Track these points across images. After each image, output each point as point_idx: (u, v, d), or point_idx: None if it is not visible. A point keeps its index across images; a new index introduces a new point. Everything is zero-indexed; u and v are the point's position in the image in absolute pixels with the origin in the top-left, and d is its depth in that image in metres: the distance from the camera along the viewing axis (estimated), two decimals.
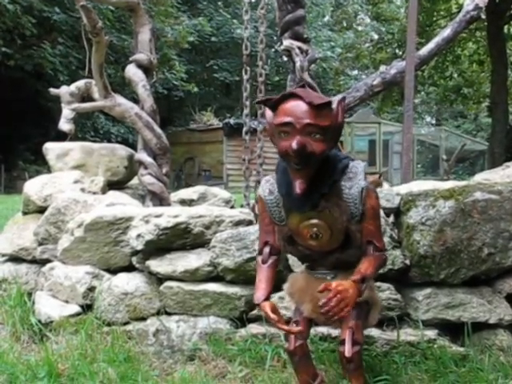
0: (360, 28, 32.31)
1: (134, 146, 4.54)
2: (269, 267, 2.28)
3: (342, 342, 2.12)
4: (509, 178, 3.18)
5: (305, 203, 2.07)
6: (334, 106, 2.01)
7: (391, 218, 2.95)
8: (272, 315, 2.13)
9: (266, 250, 2.29)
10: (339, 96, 2.16)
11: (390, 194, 2.96)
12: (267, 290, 2.24)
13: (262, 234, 2.32)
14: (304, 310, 2.25)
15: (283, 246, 2.27)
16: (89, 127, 21.83)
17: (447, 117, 35.76)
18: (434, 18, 20.47)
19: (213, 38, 25.96)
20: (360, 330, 2.16)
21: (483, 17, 4.83)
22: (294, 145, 1.91)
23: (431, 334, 2.72)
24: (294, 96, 1.98)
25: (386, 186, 9.52)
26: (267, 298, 2.21)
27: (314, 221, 2.10)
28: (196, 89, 23.79)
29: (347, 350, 2.08)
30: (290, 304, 2.38)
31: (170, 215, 3.09)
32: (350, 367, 2.13)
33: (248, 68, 3.92)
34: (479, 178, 3.40)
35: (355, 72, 32.73)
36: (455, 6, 19.83)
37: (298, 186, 1.99)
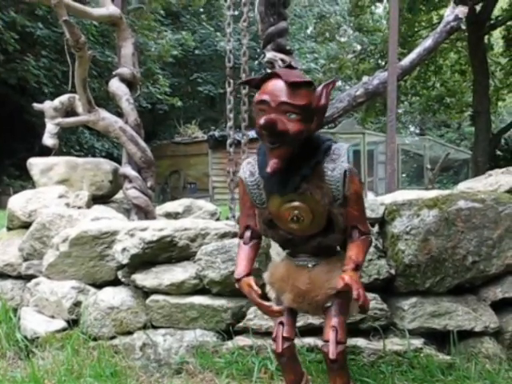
0: (343, 39, 32.49)
1: (118, 160, 4.53)
2: (250, 247, 2.27)
3: (326, 341, 2.10)
4: (491, 186, 3.20)
5: (286, 185, 2.05)
6: (320, 88, 2.01)
7: (376, 228, 2.96)
8: (255, 287, 2.13)
9: (247, 233, 2.27)
10: (336, 98, 2.15)
11: (374, 203, 2.96)
12: (248, 266, 2.22)
13: (242, 218, 2.30)
14: (284, 299, 2.22)
15: (264, 230, 2.23)
16: (73, 142, 21.74)
17: (431, 126, 35.96)
18: (416, 29, 20.63)
19: (196, 51, 26.00)
20: (343, 328, 2.12)
21: (463, 27, 4.87)
22: (262, 120, 1.91)
23: (417, 342, 2.72)
24: (274, 75, 1.99)
25: (371, 195, 9.56)
26: (248, 275, 2.20)
27: (295, 203, 2.06)
28: (180, 103, 23.78)
29: (331, 351, 2.07)
30: (271, 293, 2.33)
31: (155, 229, 3.08)
32: (334, 367, 2.10)
33: (231, 80, 3.94)
34: (462, 186, 3.42)
35: (339, 83, 32.87)
36: (436, 17, 20.00)
37: (271, 165, 1.97)
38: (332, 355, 2.06)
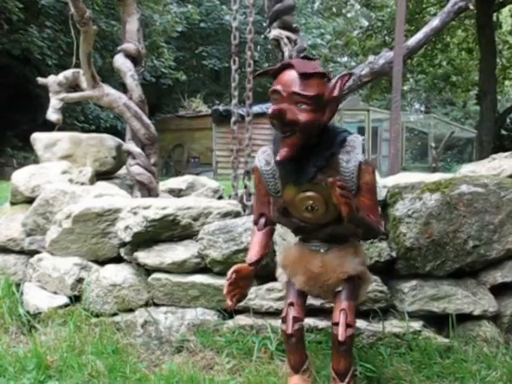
0: (350, 15, 32.18)
1: (122, 133, 4.53)
2: (264, 233, 2.32)
3: (335, 324, 2.14)
4: (495, 170, 3.21)
5: (301, 176, 2.08)
6: (334, 79, 2.03)
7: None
8: (231, 274, 2.18)
9: (262, 220, 2.32)
10: (345, 72, 2.16)
11: (377, 186, 2.96)
12: (260, 252, 2.28)
13: (257, 205, 2.34)
14: (296, 281, 2.26)
15: (277, 218, 2.27)
16: (78, 112, 21.63)
17: (436, 104, 35.77)
18: (424, 6, 20.45)
19: (202, 24, 25.78)
20: (352, 312, 2.16)
21: (471, 7, 4.83)
22: (270, 110, 1.96)
23: (416, 325, 2.75)
24: (289, 66, 2.03)
25: None
26: (258, 261, 2.26)
27: (310, 193, 2.07)
28: (184, 77, 23.66)
29: (341, 333, 2.10)
30: (283, 277, 2.37)
31: (158, 207, 3.10)
32: (342, 348, 2.15)
33: (236, 58, 3.92)
34: (465, 170, 3.42)
35: (345, 59, 32.65)
36: None
37: (280, 153, 2.02)
38: (341, 337, 2.10)
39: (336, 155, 2.10)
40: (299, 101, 1.98)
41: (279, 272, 2.42)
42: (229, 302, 2.22)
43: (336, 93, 2.03)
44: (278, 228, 2.65)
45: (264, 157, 2.24)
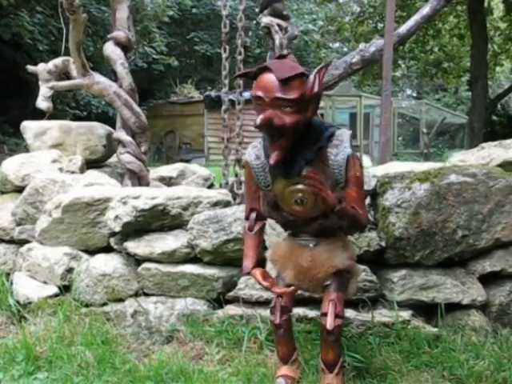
0: (341, 0, 32.07)
1: (114, 119, 4.50)
2: (255, 235, 2.33)
3: (324, 315, 2.16)
4: (484, 159, 3.20)
5: (291, 169, 2.09)
6: (312, 76, 2.04)
7: (367, 200, 2.96)
8: (264, 282, 2.18)
9: (253, 215, 2.33)
10: (321, 65, 2.15)
11: (366, 176, 2.96)
12: (255, 257, 2.29)
13: (248, 201, 2.35)
14: (286, 276, 2.27)
15: (268, 212, 2.28)
16: (69, 99, 21.53)
17: (428, 90, 35.76)
18: None
19: (194, 10, 25.66)
20: (341, 303, 2.19)
21: None
22: (258, 120, 1.96)
23: (405, 315, 2.75)
24: (267, 69, 2.02)
25: (366, 159, 9.54)
26: (256, 266, 2.26)
27: (299, 186, 2.06)
28: (176, 62, 23.56)
29: (329, 323, 2.13)
30: (272, 271, 2.37)
31: (148, 197, 3.08)
32: (330, 339, 2.17)
33: (227, 46, 3.89)
34: (455, 159, 3.42)
35: (336, 45, 32.54)
36: None
37: (273, 157, 2.03)
38: (330, 326, 2.13)
39: (324, 149, 2.12)
40: (283, 104, 1.99)
41: (269, 267, 2.42)
42: (289, 290, 2.23)
43: (316, 89, 2.04)
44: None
45: (254, 151, 2.25)
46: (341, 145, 2.12)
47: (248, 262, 2.28)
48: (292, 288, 2.23)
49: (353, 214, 2.11)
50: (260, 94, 2.01)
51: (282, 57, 2.18)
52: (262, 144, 2.21)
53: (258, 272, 2.23)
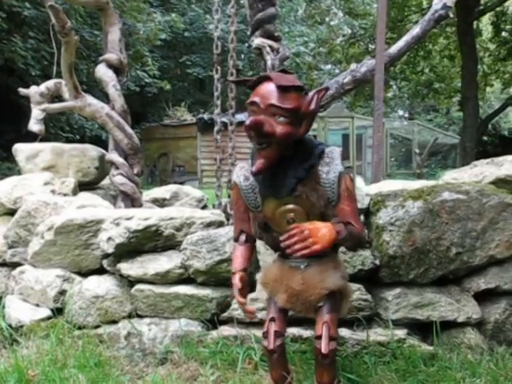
0: (333, 23, 32.33)
1: (106, 143, 4.50)
2: (245, 247, 2.30)
3: (318, 338, 2.12)
4: (476, 177, 3.21)
5: (281, 188, 2.08)
6: (311, 93, 2.04)
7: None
8: (238, 283, 2.17)
9: (242, 237, 2.30)
10: (324, 85, 2.17)
11: (359, 194, 2.96)
12: (244, 262, 2.27)
13: (237, 222, 2.32)
14: (278, 300, 2.23)
15: (259, 234, 2.27)
16: (63, 122, 21.58)
17: (420, 111, 35.96)
18: (406, 13, 20.60)
19: (186, 34, 25.81)
20: (335, 324, 2.16)
21: (451, 15, 4.84)
22: (248, 121, 1.95)
23: (401, 333, 2.74)
24: (267, 78, 2.03)
25: (359, 180, 9.55)
26: (244, 270, 2.24)
27: (291, 206, 2.09)
28: (169, 86, 23.68)
29: (323, 346, 2.10)
30: (263, 294, 2.36)
31: (141, 218, 3.07)
32: (325, 362, 2.13)
33: (219, 67, 3.91)
34: (448, 177, 3.43)
35: (328, 66, 32.74)
36: (426, 2, 19.97)
37: (256, 165, 2.01)
38: (324, 350, 2.09)
39: (315, 167, 2.10)
40: (277, 113, 1.98)
41: (259, 288, 2.40)
42: (249, 308, 2.22)
43: (313, 107, 2.04)
44: None
45: (242, 172, 2.23)
46: (332, 162, 2.10)
47: (237, 264, 2.26)
48: (253, 308, 2.23)
49: (357, 233, 2.11)
50: (256, 99, 2.00)
51: (283, 71, 2.18)
52: (250, 163, 2.17)
53: (238, 276, 2.20)
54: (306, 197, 2.07)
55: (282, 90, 1.97)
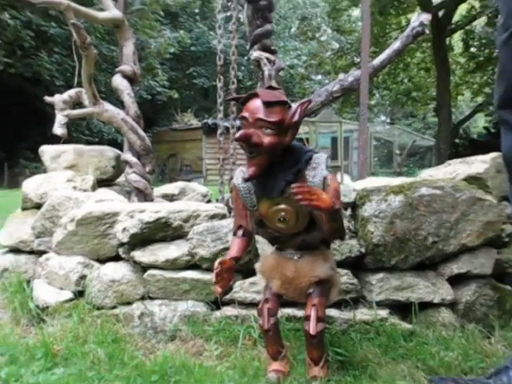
0: (323, 38, 32.29)
1: (122, 144, 4.49)
2: (241, 239, 2.28)
3: (307, 318, 2.15)
4: (450, 174, 3.20)
5: (273, 190, 2.09)
6: (295, 106, 2.06)
7: (348, 211, 2.95)
8: (217, 265, 2.11)
9: (240, 232, 2.29)
10: (306, 98, 2.18)
11: (347, 189, 2.96)
12: (238, 252, 2.24)
13: (236, 218, 2.32)
14: (273, 286, 2.26)
15: (256, 229, 2.29)
16: (83, 127, 21.67)
17: (399, 116, 35.99)
18: (387, 30, 20.62)
19: (192, 48, 25.88)
20: (323, 307, 2.18)
21: (427, 32, 4.83)
22: (238, 134, 1.98)
23: (383, 313, 2.73)
24: (255, 95, 2.05)
25: (346, 178, 9.53)
26: (234, 258, 2.21)
27: (282, 206, 2.11)
28: (177, 94, 23.73)
29: (312, 327, 2.12)
30: (261, 281, 2.36)
31: (152, 211, 3.06)
32: (314, 342, 2.16)
33: (222, 77, 3.89)
34: (425, 174, 3.42)
35: (319, 77, 32.70)
36: (404, 21, 20.04)
37: (249, 172, 2.04)
38: (312, 331, 2.12)
39: (303, 171, 2.11)
40: (264, 126, 2.00)
41: (258, 277, 2.42)
42: (218, 289, 2.18)
43: (296, 118, 2.06)
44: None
45: (241, 175, 2.23)
46: (318, 167, 2.11)
47: (232, 252, 2.23)
48: (220, 291, 2.17)
49: (341, 221, 2.12)
50: (246, 114, 2.03)
51: (271, 87, 2.20)
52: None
53: (224, 260, 2.14)
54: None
55: (268, 105, 2.00)
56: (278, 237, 2.26)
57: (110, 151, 4.46)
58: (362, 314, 2.73)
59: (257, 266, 2.39)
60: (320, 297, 2.18)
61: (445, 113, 18.58)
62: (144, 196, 4.07)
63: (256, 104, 2.03)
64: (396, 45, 4.77)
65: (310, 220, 2.16)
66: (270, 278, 2.28)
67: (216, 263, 2.14)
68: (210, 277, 2.89)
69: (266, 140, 2.00)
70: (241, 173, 2.25)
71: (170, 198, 4.60)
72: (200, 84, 26.68)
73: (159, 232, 3.06)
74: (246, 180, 2.10)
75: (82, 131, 21.39)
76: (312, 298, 2.18)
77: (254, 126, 2.01)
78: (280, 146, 2.05)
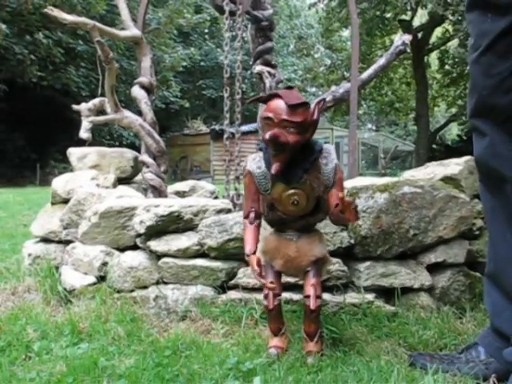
0: (317, 55, 32.26)
1: (139, 147, 4.47)
2: (255, 227, 2.24)
3: (307, 297, 2.15)
4: (429, 175, 3.19)
5: (291, 177, 2.08)
6: (312, 105, 2.03)
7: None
8: (256, 267, 2.13)
9: (252, 215, 2.24)
10: (319, 98, 2.16)
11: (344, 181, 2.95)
12: (255, 244, 2.22)
13: (248, 202, 2.26)
14: (275, 264, 2.24)
15: (266, 212, 2.24)
16: (105, 132, 21.72)
17: (384, 124, 35.97)
18: (373, 49, 20.60)
19: (202, 63, 25.92)
20: (320, 286, 2.18)
21: (409, 50, 4.80)
22: (267, 136, 1.95)
23: (370, 297, 2.71)
24: (277, 96, 2.01)
25: None
26: (254, 252, 2.20)
27: (296, 190, 2.09)
28: (188, 104, 23.73)
29: (312, 303, 2.13)
30: (263, 260, 2.28)
31: (166, 205, 3.04)
32: (313, 316, 2.17)
33: (228, 88, 3.89)
34: (407, 175, 3.40)
35: (313, 89, 32.67)
36: (388, 41, 20.07)
37: (274, 168, 2.01)
38: (313, 306, 2.13)
39: (317, 160, 2.12)
40: (288, 126, 1.97)
41: (259, 255, 2.38)
42: (264, 280, 2.17)
43: (315, 116, 2.03)
44: None
45: (255, 163, 2.20)
46: (329, 156, 2.13)
47: (251, 247, 2.19)
48: (273, 285, 2.18)
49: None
50: (270, 115, 1.99)
51: (289, 88, 2.16)
52: (262, 157, 2.18)
53: (254, 258, 2.15)
54: (309, 183, 2.09)
55: (291, 107, 1.97)
56: (285, 219, 2.21)
57: (129, 153, 4.44)
58: (351, 297, 2.72)
59: (259, 245, 2.35)
60: (316, 277, 2.18)
61: (423, 122, 18.59)
62: (159, 193, 4.05)
63: (280, 105, 1.98)
64: (381, 61, 4.73)
65: (316, 203, 2.16)
66: (273, 258, 2.25)
67: (255, 265, 2.12)
68: (216, 264, 2.89)
69: (291, 139, 1.97)
70: (254, 160, 2.20)
71: (181, 194, 4.58)
72: (208, 95, 26.70)
73: (172, 224, 3.04)
74: (273, 174, 2.06)
75: (104, 136, 21.45)
76: (310, 279, 2.17)
77: (279, 126, 1.97)
78: (302, 143, 2.04)
